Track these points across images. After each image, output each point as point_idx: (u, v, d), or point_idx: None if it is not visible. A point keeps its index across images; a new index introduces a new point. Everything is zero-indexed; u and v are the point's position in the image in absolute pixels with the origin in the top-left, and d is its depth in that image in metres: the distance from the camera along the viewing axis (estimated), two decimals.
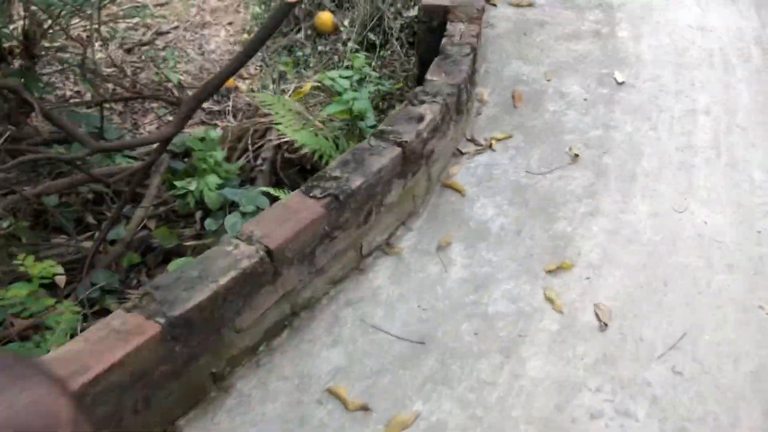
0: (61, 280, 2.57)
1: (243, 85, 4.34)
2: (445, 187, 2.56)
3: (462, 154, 2.71)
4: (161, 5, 5.13)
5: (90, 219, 3.09)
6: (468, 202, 2.49)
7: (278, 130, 2.84)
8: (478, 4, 3.12)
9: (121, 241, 2.75)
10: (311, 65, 4.26)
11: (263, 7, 4.93)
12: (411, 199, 2.40)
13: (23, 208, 2.79)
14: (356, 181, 2.07)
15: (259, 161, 3.46)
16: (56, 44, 3.59)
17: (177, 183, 2.89)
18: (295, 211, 1.97)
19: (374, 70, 3.57)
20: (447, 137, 2.57)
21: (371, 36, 4.23)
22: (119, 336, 1.59)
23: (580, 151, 2.71)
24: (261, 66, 4.54)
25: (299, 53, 4.41)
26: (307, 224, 1.94)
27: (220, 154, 3.10)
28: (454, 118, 2.61)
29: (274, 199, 2.57)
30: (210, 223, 2.79)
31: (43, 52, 3.41)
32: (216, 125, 3.83)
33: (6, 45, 3.22)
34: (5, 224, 2.67)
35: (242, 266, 1.78)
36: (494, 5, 3.79)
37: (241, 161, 3.39)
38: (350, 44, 4.30)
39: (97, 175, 2.54)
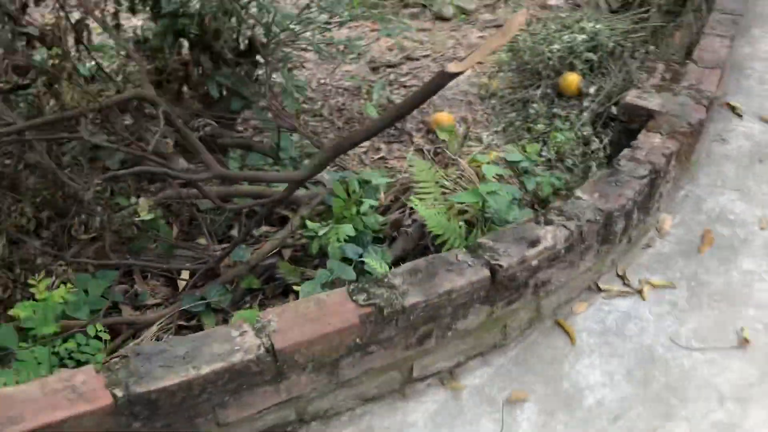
0: (180, 284, 2.62)
1: (461, 129, 4.09)
2: (557, 325, 2.11)
3: (599, 290, 2.21)
4: (423, 30, 5.13)
5: (235, 232, 3.12)
6: (574, 355, 2.01)
7: (413, 203, 2.58)
8: (694, 116, 2.54)
9: (245, 263, 2.71)
10: (536, 126, 3.88)
11: (509, 54, 4.68)
12: (500, 329, 2.00)
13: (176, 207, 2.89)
14: (413, 298, 1.75)
15: (409, 221, 3.24)
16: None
17: (309, 224, 2.78)
18: (328, 311, 1.71)
19: (558, 157, 3.11)
20: (578, 268, 2.11)
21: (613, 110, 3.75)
22: (72, 395, 1.48)
23: (753, 337, 2.05)
24: (489, 113, 4.29)
25: (531, 110, 4.08)
26: (332, 331, 1.67)
27: (369, 203, 2.93)
28: (597, 248, 2.13)
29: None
30: (322, 274, 2.63)
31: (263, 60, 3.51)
32: (389, 170, 3.67)
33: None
34: (148, 216, 2.76)
35: (233, 360, 1.57)
36: (739, 116, 3.12)
37: (394, 215, 3.20)
38: (585, 115, 3.85)
39: (215, 198, 2.51)
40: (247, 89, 3.14)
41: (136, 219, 2.66)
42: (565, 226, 1.99)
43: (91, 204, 2.54)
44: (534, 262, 1.93)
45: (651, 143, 2.39)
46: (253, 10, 3.29)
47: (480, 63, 4.60)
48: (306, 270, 2.85)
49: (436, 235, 2.46)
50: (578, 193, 2.14)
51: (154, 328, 2.45)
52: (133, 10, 2.99)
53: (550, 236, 1.96)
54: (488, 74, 4.45)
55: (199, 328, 2.55)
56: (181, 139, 2.46)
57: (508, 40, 2.17)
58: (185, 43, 3.12)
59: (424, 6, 5.39)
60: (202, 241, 3.02)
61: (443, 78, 2.20)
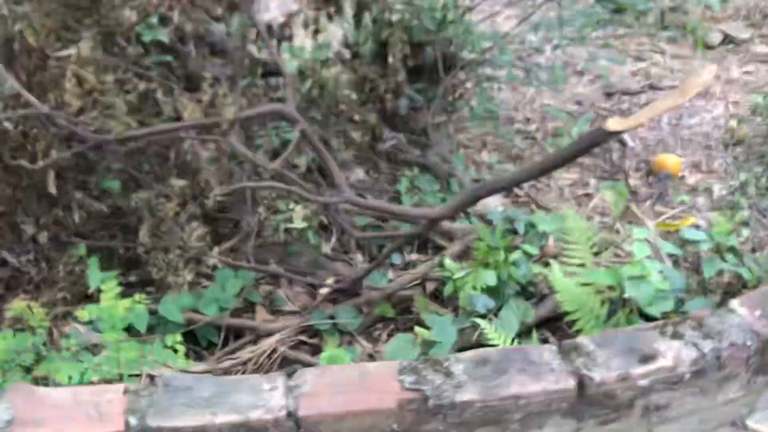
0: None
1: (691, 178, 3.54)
2: None
3: (746, 430, 1.73)
4: (679, 57, 4.59)
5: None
6: None
7: (550, 268, 2.27)
8: None
9: (382, 290, 2.63)
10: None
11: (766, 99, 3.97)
12: None
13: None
14: (468, 394, 1.50)
15: None
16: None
17: (447, 263, 2.60)
18: (369, 385, 1.54)
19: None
20: (714, 398, 1.66)
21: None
22: (93, 412, 1.51)
23: None
24: (729, 163, 3.67)
25: None
26: (365, 410, 1.50)
27: (526, 250, 2.65)
28: (748, 378, 1.66)
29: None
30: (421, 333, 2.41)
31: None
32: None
33: None
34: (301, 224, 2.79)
35: (251, 416, 1.48)
36: None
37: None
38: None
39: (348, 227, 2.44)
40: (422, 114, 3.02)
41: (290, 225, 2.70)
42: (696, 346, 1.57)
43: (252, 204, 2.63)
44: (643, 382, 1.55)
45: None
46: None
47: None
48: (440, 310, 2.67)
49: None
50: (734, 304, 1.68)
51: (274, 338, 2.47)
52: (330, 16, 3.00)
53: (672, 355, 1.56)
54: (739, 117, 3.80)
55: (319, 347, 2.52)
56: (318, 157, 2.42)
57: (686, 102, 1.77)
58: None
59: (686, 30, 4.77)
60: (359, 256, 2.99)
61: (599, 137, 1.89)
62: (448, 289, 2.43)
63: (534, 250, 2.66)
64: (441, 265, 2.62)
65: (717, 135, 3.70)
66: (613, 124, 1.85)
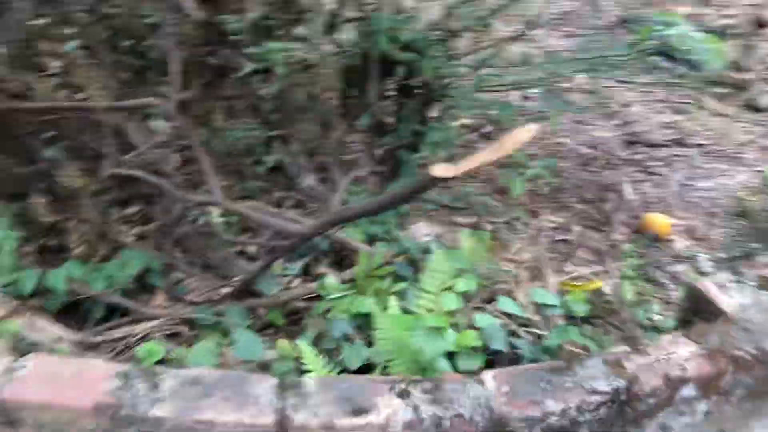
0: None
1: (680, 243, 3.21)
2: None
3: None
4: (720, 116, 4.19)
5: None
6: None
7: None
8: None
9: (273, 296, 2.60)
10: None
11: None
12: None
13: None
14: (161, 411, 1.45)
15: None
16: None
17: (327, 282, 2.48)
18: (80, 382, 1.54)
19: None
20: None
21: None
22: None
23: None
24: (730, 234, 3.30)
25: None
26: (61, 405, 1.49)
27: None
28: None
29: None
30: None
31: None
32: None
33: None
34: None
35: None
36: None
37: None
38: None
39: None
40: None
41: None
42: (416, 409, 1.43)
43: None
44: None
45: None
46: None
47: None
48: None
49: None
50: (486, 376, 1.50)
51: (151, 324, 2.50)
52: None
53: (387, 413, 1.42)
54: (751, 189, 3.42)
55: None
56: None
57: (501, 158, 1.65)
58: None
59: (738, 88, 4.34)
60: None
61: (425, 182, 1.82)
62: (317, 309, 2.36)
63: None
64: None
65: (726, 203, 3.33)
66: (438, 170, 1.78)
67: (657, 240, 3.14)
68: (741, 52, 4.43)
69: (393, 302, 2.07)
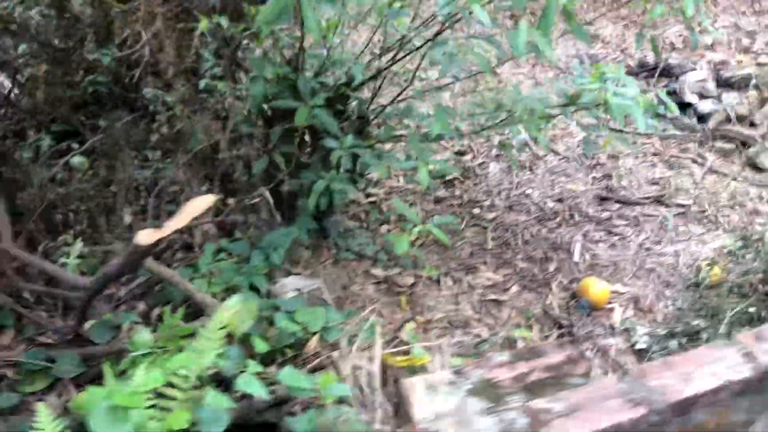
0: None
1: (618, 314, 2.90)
2: None
3: None
4: (715, 173, 3.79)
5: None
6: None
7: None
8: None
9: (108, 345, 2.45)
10: None
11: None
12: None
13: None
14: None
15: None
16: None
17: (135, 338, 2.27)
18: None
19: None
20: None
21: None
22: None
23: None
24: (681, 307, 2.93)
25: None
26: None
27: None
28: None
29: None
30: None
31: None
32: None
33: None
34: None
35: None
36: None
37: None
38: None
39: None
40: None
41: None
42: None
43: None
44: None
45: None
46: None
47: None
48: None
49: None
50: None
51: None
52: None
53: None
54: (713, 259, 3.03)
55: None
56: None
57: (184, 225, 1.71)
58: None
59: (744, 144, 3.93)
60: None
61: (135, 254, 1.74)
62: (124, 364, 2.16)
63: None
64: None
65: (685, 272, 2.97)
66: (142, 237, 1.77)
67: (592, 308, 2.82)
68: (754, 106, 4.02)
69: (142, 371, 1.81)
